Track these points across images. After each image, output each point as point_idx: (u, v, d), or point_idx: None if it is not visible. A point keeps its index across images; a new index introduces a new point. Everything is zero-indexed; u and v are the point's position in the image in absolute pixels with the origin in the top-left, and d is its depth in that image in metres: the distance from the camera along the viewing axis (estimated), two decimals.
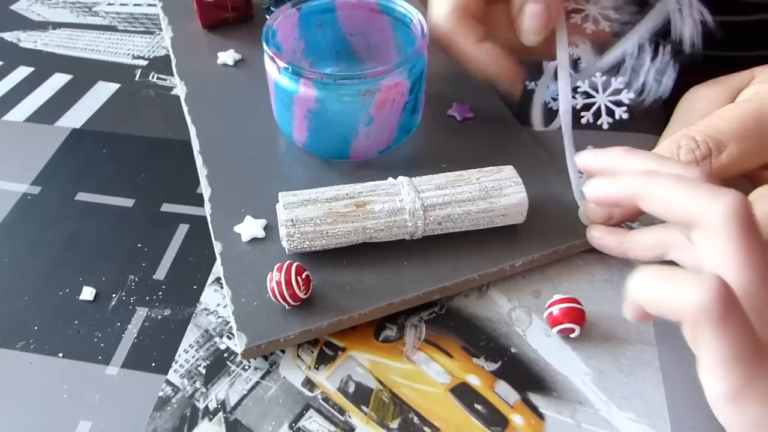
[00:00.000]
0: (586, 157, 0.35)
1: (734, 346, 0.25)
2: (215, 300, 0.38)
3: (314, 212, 0.36)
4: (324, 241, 0.36)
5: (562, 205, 0.40)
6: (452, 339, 0.36)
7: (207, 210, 0.41)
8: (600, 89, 0.39)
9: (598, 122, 0.39)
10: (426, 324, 0.36)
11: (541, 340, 0.35)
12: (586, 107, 0.39)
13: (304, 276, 0.34)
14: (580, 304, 0.34)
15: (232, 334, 0.36)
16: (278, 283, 0.34)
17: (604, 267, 0.39)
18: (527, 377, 0.34)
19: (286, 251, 0.37)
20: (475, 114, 0.47)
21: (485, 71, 0.41)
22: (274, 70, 0.40)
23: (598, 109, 0.39)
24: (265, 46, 0.40)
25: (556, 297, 0.35)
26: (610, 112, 0.38)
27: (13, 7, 0.63)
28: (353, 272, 0.37)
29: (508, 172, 0.39)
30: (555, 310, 0.34)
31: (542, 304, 0.36)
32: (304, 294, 0.34)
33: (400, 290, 0.36)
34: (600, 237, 0.37)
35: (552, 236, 0.39)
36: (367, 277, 0.37)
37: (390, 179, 0.39)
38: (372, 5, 0.45)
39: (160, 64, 0.56)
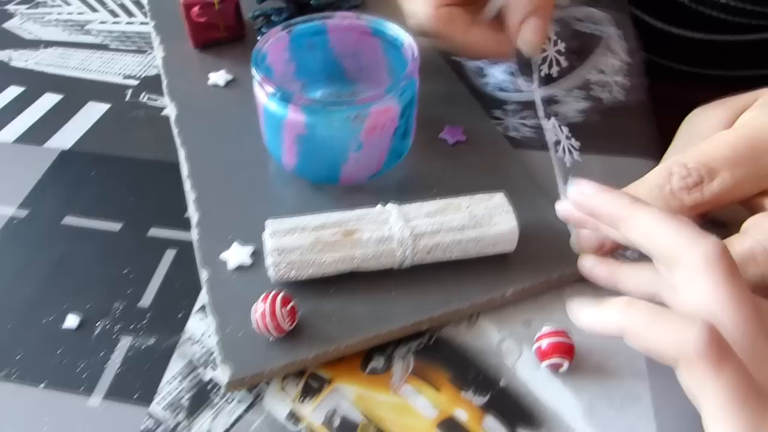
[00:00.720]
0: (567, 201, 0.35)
1: (734, 390, 0.24)
2: (200, 329, 0.37)
3: (301, 240, 0.36)
4: (311, 270, 0.36)
5: (554, 233, 0.39)
6: (441, 371, 0.35)
7: (194, 235, 0.40)
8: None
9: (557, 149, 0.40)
10: (414, 355, 0.36)
11: (530, 373, 0.35)
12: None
13: (289, 307, 0.34)
14: (569, 337, 0.34)
15: (217, 365, 0.35)
16: (263, 315, 0.33)
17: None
18: (516, 411, 0.33)
19: (272, 280, 0.36)
20: (467, 137, 0.46)
21: (481, 54, 0.45)
22: (263, 95, 0.40)
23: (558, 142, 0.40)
24: (253, 71, 0.40)
25: (546, 329, 0.34)
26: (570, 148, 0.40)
27: (5, 25, 0.63)
28: (341, 301, 0.36)
29: (499, 199, 0.38)
30: (544, 343, 0.34)
31: (533, 335, 0.36)
32: (290, 325, 0.34)
33: (388, 320, 0.36)
34: (591, 267, 0.36)
35: (543, 265, 0.38)
36: (354, 307, 0.36)
37: (379, 206, 0.38)
38: (363, 28, 0.45)
39: (152, 84, 0.55)
